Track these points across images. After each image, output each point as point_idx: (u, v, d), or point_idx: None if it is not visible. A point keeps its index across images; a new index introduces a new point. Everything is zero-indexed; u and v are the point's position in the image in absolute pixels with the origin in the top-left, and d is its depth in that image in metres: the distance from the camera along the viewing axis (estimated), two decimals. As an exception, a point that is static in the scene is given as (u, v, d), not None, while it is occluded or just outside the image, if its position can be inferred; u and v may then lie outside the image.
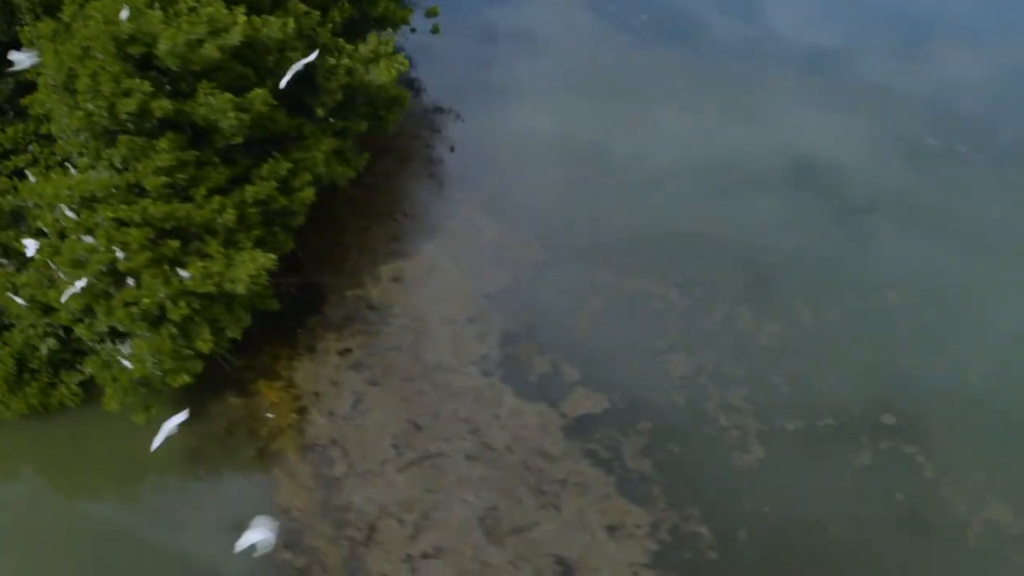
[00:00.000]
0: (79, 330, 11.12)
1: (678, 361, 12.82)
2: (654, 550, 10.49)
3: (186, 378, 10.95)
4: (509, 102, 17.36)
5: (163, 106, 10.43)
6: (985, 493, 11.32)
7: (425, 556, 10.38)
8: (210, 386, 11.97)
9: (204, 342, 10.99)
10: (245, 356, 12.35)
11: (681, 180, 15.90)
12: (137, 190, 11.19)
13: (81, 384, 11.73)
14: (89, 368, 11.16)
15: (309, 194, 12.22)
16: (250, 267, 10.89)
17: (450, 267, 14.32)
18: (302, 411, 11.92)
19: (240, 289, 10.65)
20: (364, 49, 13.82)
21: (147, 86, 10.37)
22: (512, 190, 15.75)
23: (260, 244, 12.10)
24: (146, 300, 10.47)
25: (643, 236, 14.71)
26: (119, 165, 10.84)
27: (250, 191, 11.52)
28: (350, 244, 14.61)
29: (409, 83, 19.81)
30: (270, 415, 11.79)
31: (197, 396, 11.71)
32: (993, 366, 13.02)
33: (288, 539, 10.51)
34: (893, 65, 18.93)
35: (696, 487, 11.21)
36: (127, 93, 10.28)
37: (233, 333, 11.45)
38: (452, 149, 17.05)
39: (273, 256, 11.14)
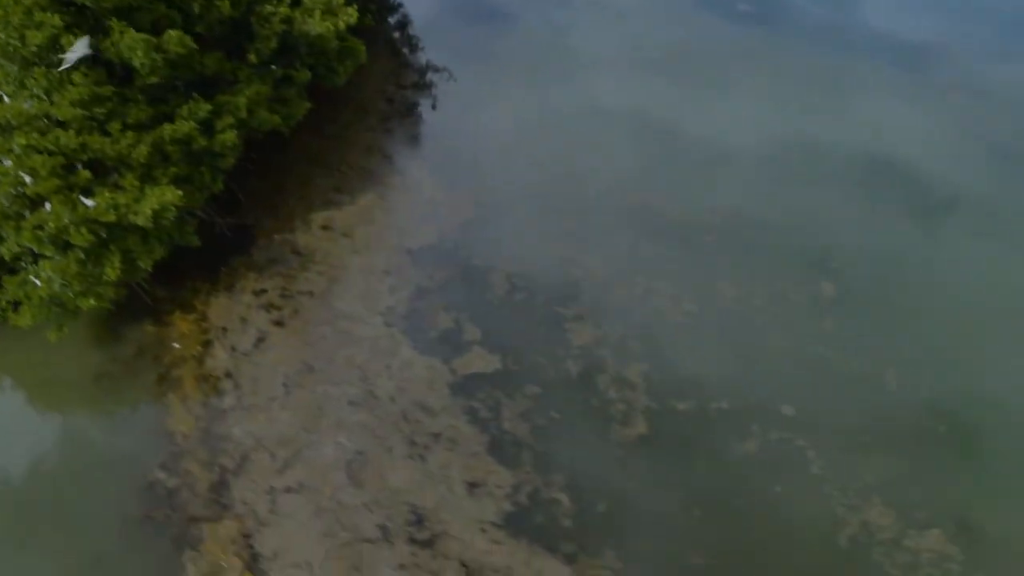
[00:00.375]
0: (1, 250, 12.11)
1: (583, 331, 12.80)
2: (508, 511, 10.59)
3: (92, 302, 11.63)
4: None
5: (72, 41, 11.07)
6: (870, 495, 10.78)
7: (288, 490, 10.84)
8: (130, 312, 12.72)
9: (112, 269, 11.66)
10: (168, 288, 13.03)
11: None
12: (56, 121, 11.83)
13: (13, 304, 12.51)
14: (9, 287, 12.18)
15: (230, 136, 12.65)
16: (154, 202, 11.41)
17: (381, 220, 14.54)
18: (207, 344, 12.50)
19: (141, 221, 11.23)
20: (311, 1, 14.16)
21: (57, 20, 10.95)
22: (476, 157, 15.77)
23: (184, 182, 12.72)
24: (51, 224, 11.11)
25: (604, 207, 14.82)
26: (41, 95, 11.62)
27: (167, 129, 12.01)
28: (291, 191, 15.03)
29: (408, 40, 20.13)
30: (177, 345, 12.47)
31: (116, 320, 12.56)
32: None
33: (166, 461, 11.25)
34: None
35: (567, 455, 11.13)
36: (38, 26, 10.96)
37: (144, 264, 12.08)
38: (433, 107, 17.26)
39: (179, 193, 11.64)
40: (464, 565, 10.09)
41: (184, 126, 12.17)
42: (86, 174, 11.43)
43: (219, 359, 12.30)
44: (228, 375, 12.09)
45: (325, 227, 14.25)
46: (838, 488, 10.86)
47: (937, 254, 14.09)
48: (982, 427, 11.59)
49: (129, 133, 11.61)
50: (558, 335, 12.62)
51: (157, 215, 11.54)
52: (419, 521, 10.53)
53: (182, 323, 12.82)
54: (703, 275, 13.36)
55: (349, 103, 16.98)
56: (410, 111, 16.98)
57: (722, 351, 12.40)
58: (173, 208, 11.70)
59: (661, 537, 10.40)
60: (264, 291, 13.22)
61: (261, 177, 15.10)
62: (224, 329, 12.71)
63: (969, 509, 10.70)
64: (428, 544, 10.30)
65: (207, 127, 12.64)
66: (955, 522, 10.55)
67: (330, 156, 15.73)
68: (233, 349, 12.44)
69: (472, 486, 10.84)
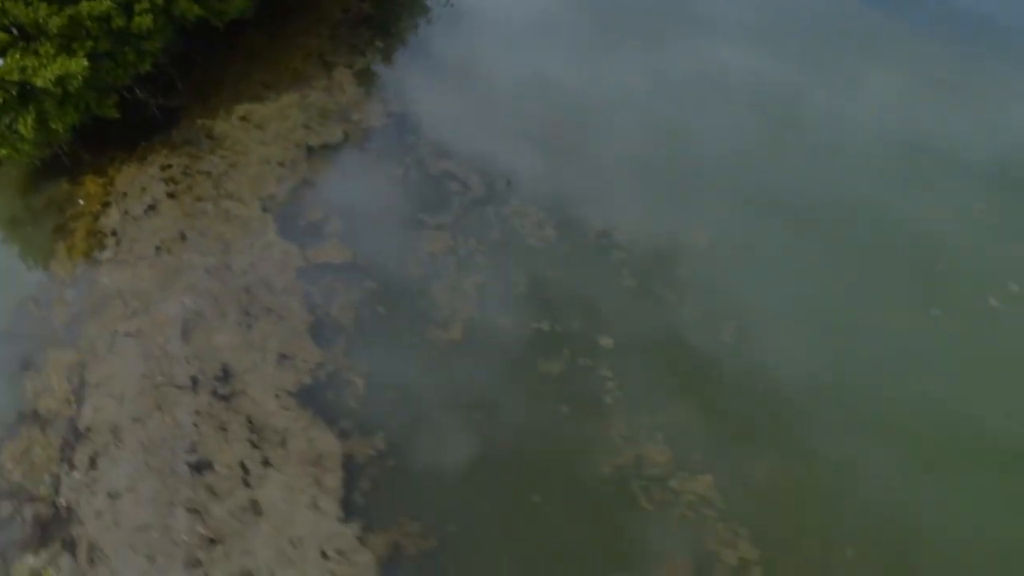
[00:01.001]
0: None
1: (438, 239, 13.18)
2: (306, 383, 11.31)
3: (4, 151, 13.29)
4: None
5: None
6: (655, 433, 10.53)
7: (127, 335, 12.07)
8: (54, 171, 14.38)
9: (25, 127, 13.17)
10: (91, 154, 14.54)
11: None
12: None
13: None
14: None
15: (146, 20, 13.69)
16: (58, 68, 12.76)
17: (294, 117, 15.27)
18: (106, 205, 13.89)
19: (40, 83, 12.56)
20: None
21: None
22: (418, 72, 16.39)
23: (106, 58, 14.02)
24: (-37, 79, 12.79)
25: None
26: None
27: (85, 6, 13.28)
28: (226, 83, 16.08)
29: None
30: (81, 202, 13.94)
31: (40, 176, 14.25)
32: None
33: (39, 295, 12.76)
34: None
35: (380, 347, 11.64)
36: None
37: (56, 126, 13.45)
38: (394, 23, 17.70)
39: (85, 64, 12.89)
40: (250, 421, 10.98)
41: (102, 4, 13.40)
42: (4, 36, 13.02)
43: (111, 219, 13.69)
44: (114, 233, 13.47)
45: (243, 118, 15.26)
46: (625, 420, 10.82)
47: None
48: (793, 392, 11.01)
49: (44, 5, 13.06)
50: (413, 241, 13.11)
51: (62, 81, 12.91)
52: (226, 378, 11.50)
53: (92, 185, 14.30)
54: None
55: (307, 11, 17.80)
56: (363, 22, 17.67)
57: (556, 274, 12.40)
58: (79, 77, 13.07)
59: (432, 433, 10.79)
60: (170, 166, 14.47)
61: (203, 68, 16.27)
62: (124, 194, 14.08)
63: (750, 463, 10.44)
64: (226, 398, 11.27)
65: (127, 9, 13.88)
66: (731, 473, 10.33)
67: (272, 56, 16.64)
68: (126, 212, 13.79)
69: (283, 357, 11.66)
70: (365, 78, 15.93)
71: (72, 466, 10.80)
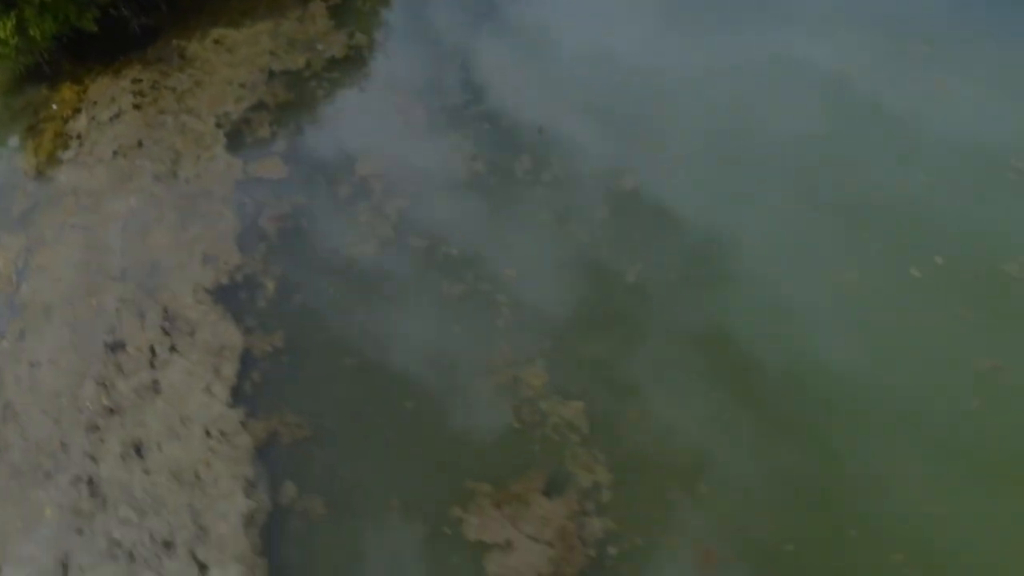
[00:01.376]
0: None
1: (371, 160, 13.63)
2: (222, 283, 11.98)
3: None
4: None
5: None
6: (536, 358, 10.70)
7: (74, 227, 13.03)
8: (37, 77, 15.62)
9: (4, 31, 14.06)
10: (72, 64, 15.65)
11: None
12: None
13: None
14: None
15: (124, -63, 14.65)
16: (34, -24, 13.72)
17: (263, 44, 15.91)
18: (77, 111, 14.87)
19: (18, -12, 13.62)
20: None
21: None
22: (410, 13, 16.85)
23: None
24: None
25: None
26: None
27: (66, -81, 14.21)
28: (207, 9, 16.83)
29: None
30: (55, 106, 14.98)
31: (24, 81, 15.49)
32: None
33: (3, 185, 13.86)
34: None
35: (295, 256, 12.22)
36: None
37: (35, 33, 14.43)
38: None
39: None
40: (166, 311, 11.75)
41: (82, -81, 14.32)
42: (-8, -58, 14.05)
43: (79, 124, 14.66)
44: (79, 137, 14.45)
45: (216, 41, 16.00)
46: (510, 343, 11.14)
47: None
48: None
49: (30, -86, 14.02)
50: (348, 164, 13.64)
51: (37, -11, 13.92)
52: (152, 272, 12.31)
53: (68, 92, 15.29)
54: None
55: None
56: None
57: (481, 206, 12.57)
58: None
59: (327, 338, 11.35)
60: (140, 81, 15.34)
61: (190, -7, 17.20)
62: (95, 103, 15.01)
63: (621, 399, 10.67)
64: (150, 290, 12.09)
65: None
66: (602, 404, 10.57)
67: (258, -13, 17.41)
68: (93, 119, 14.73)
69: (207, 258, 12.37)
70: (337, 12, 16.51)
71: (2, 336, 11.86)
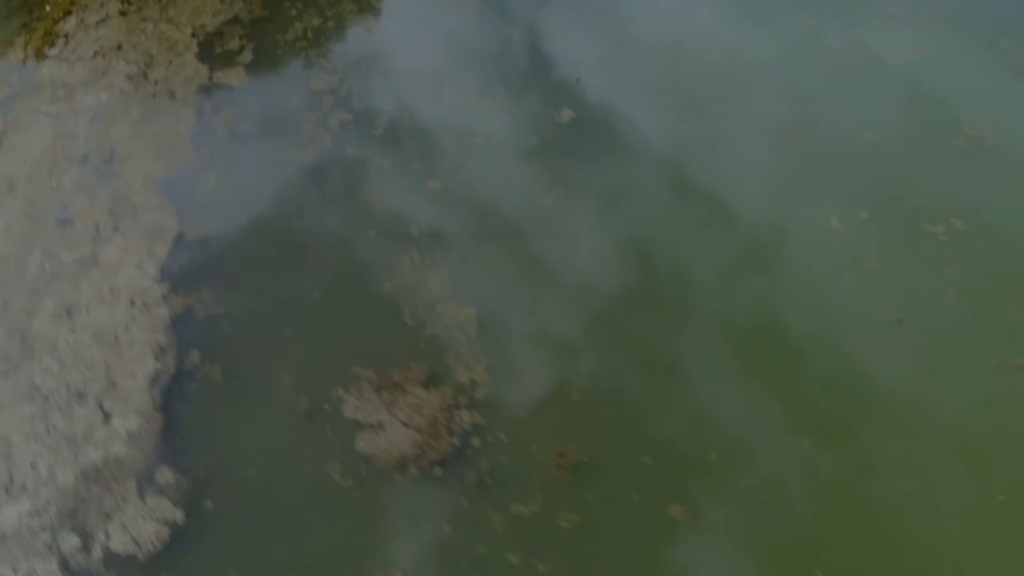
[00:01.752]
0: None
1: (325, 79, 14.19)
2: (171, 175, 12.69)
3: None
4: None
5: None
6: (441, 267, 11.38)
7: (47, 115, 13.91)
8: None
9: (8, -71, 15.18)
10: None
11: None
12: None
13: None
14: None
15: None
16: None
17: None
18: (68, 13, 15.75)
19: None
20: None
21: None
22: None
23: None
24: None
25: None
26: None
27: None
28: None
29: None
30: (48, 7, 15.87)
31: None
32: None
33: None
34: None
35: (239, 155, 12.97)
36: None
37: (35, -66, 15.51)
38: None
39: None
40: (116, 195, 12.58)
41: None
42: None
43: (68, 25, 15.56)
44: (65, 36, 15.35)
45: (206, -40, 16.83)
46: (419, 251, 11.78)
47: None
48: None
49: None
50: (304, 79, 14.27)
51: None
52: (110, 160, 13.17)
53: (64, -4, 16.33)
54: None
55: None
56: None
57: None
58: None
59: (255, 229, 12.10)
60: (131, -9, 16.33)
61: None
62: (86, 7, 15.91)
63: (514, 308, 11.18)
64: (105, 175, 12.96)
65: None
66: (488, 313, 11.07)
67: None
68: (81, 21, 15.62)
69: (160, 151, 13.17)
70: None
71: (-31, 203, 12.96)
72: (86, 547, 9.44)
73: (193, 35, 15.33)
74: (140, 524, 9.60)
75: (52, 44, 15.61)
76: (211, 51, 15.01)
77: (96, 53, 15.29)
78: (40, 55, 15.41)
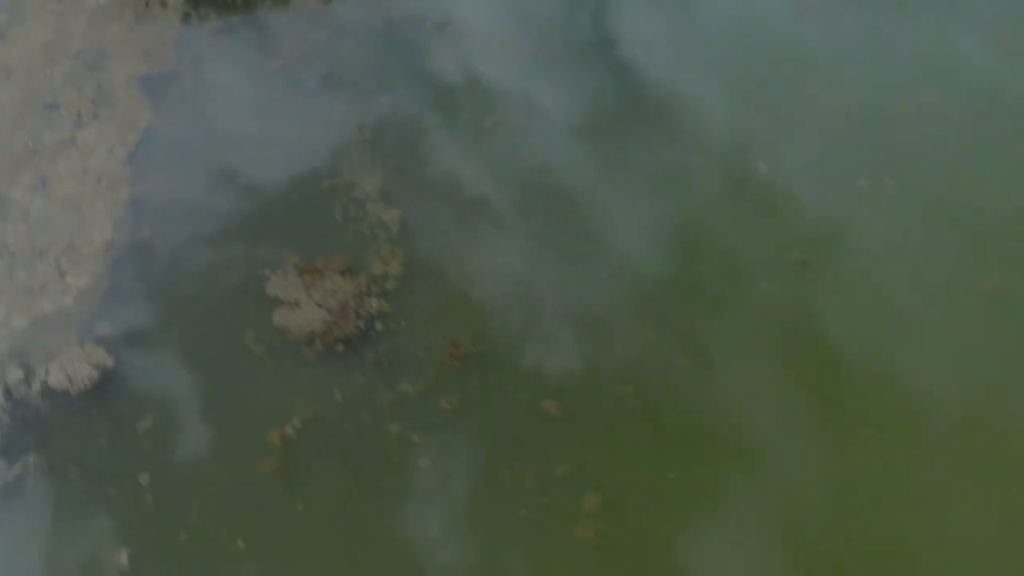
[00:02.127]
0: None
1: (306, 4, 15.11)
2: (152, 74, 13.77)
3: None
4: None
5: None
6: (377, 169, 12.24)
7: (51, 12, 15.07)
8: None
9: None
10: None
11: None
12: None
13: None
14: None
15: None
16: None
17: None
18: (84, -77, 16.96)
19: None
20: None
21: None
22: None
23: None
24: None
25: None
26: None
27: None
28: None
29: None
30: (68, -83, 17.11)
31: None
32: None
33: None
34: None
35: (217, 63, 14.00)
36: None
37: None
38: None
39: None
40: (100, 87, 13.72)
41: None
42: None
43: (82, -66, 16.82)
44: (78, -57, 16.62)
45: None
46: (359, 157, 12.62)
47: None
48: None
49: None
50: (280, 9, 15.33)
51: None
52: (101, 57, 14.23)
53: (82, -93, 17.41)
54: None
55: None
56: None
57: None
58: None
59: (216, 125, 13.20)
60: (142, -93, 17.34)
61: None
62: (100, -81, 17.12)
63: (434, 216, 11.98)
64: (94, 69, 14.09)
65: None
66: (416, 214, 11.91)
67: None
68: (95, -69, 16.85)
69: (147, 53, 14.20)
70: None
71: (-29, 83, 14.27)
72: (27, 380, 10.73)
73: (190, -43, 16.49)
74: (76, 366, 10.82)
75: (62, -47, 16.89)
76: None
77: (101, -37, 16.54)
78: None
